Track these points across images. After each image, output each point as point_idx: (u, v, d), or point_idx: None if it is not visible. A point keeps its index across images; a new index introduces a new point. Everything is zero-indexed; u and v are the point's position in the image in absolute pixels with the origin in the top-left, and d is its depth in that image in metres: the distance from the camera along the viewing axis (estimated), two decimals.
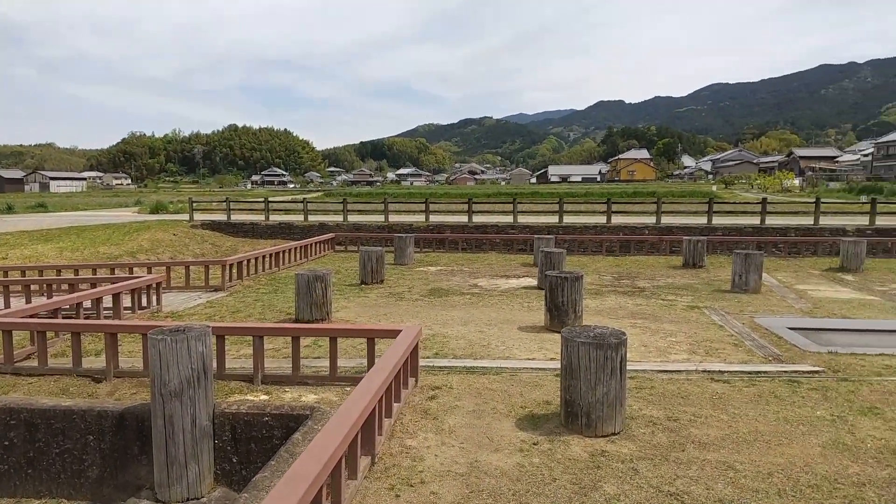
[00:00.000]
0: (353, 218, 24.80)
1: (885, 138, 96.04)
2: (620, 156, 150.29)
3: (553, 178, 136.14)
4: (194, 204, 26.43)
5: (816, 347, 7.50)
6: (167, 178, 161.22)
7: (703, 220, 22.40)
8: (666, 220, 22.81)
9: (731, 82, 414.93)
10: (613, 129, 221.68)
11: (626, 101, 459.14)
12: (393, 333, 6.26)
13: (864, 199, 34.93)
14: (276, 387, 6.19)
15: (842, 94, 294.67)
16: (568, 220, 23.36)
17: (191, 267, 13.05)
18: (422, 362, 6.78)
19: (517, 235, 20.51)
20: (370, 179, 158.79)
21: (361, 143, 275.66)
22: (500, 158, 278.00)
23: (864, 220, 21.44)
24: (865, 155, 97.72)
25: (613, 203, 23.72)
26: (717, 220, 22.48)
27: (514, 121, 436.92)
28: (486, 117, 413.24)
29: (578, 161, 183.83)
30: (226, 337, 6.57)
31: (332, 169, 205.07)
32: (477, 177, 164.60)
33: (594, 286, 12.72)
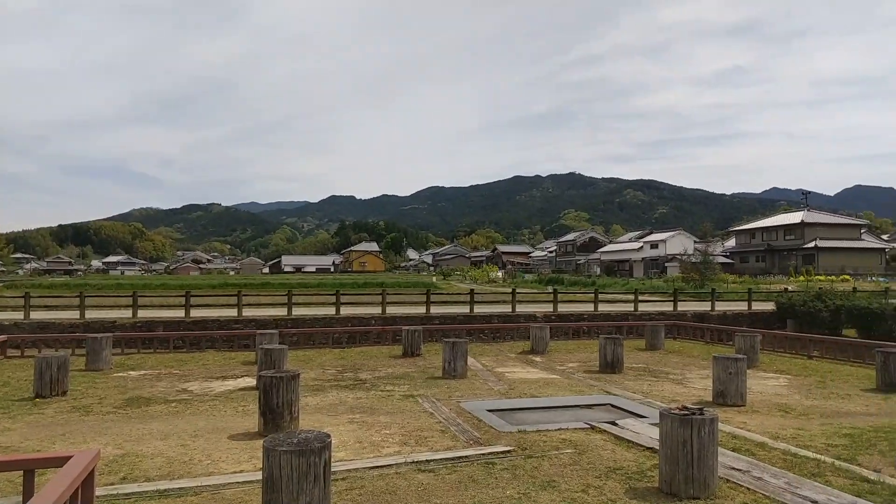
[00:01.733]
0: (38, 315, 20.91)
1: (563, 238, 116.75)
2: (353, 248, 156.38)
3: (287, 269, 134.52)
4: None
5: (509, 427, 8.31)
6: None
7: (422, 310, 23.98)
8: (391, 310, 23.89)
9: (446, 186, 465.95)
10: (346, 222, 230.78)
11: (358, 197, 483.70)
12: (60, 461, 5.19)
13: (550, 289, 41.34)
14: None
15: (531, 201, 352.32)
16: (298, 312, 22.97)
17: None
18: (103, 491, 5.74)
19: (241, 331, 19.41)
20: (69, 268, 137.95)
21: (60, 226, 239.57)
22: (229, 247, 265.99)
23: (549, 308, 25.18)
24: (551, 251, 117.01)
25: (344, 294, 24.18)
26: (435, 310, 24.28)
27: (246, 209, 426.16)
28: (213, 204, 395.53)
29: (313, 252, 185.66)
30: None
31: (19, 255, 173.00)
32: (202, 266, 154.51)
33: (317, 382, 12.51)
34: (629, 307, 25.99)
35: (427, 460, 6.90)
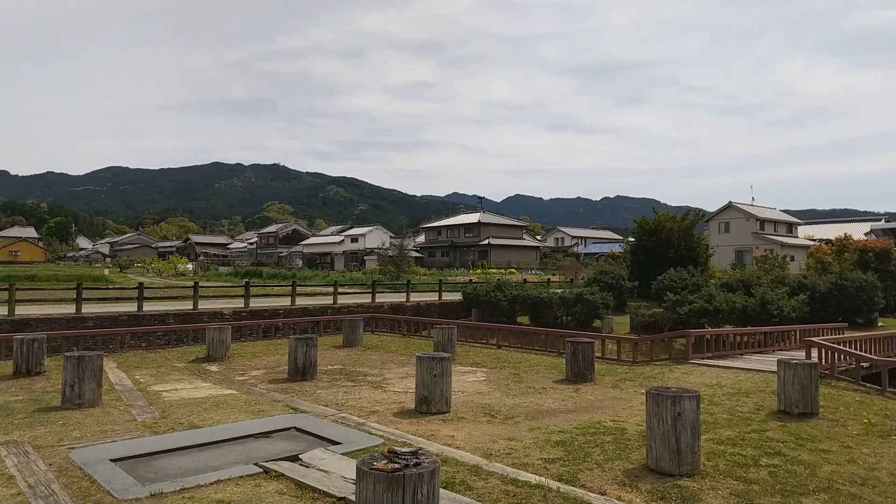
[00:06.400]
0: None
1: (265, 230, 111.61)
2: (1, 233, 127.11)
3: None
4: None
5: (137, 490, 5.46)
6: None
7: (71, 309, 18.70)
8: (23, 310, 18.10)
9: (131, 167, 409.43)
10: None
11: (13, 173, 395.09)
12: None
13: (243, 282, 37.65)
14: None
15: (232, 190, 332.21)
16: None
17: None
18: None
19: None
20: None
21: None
22: None
23: (241, 303, 22.03)
24: (251, 243, 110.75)
25: None
26: (90, 309, 19.16)
27: None
28: None
29: None
30: None
31: None
32: None
33: None
34: (329, 300, 24.34)
35: None
